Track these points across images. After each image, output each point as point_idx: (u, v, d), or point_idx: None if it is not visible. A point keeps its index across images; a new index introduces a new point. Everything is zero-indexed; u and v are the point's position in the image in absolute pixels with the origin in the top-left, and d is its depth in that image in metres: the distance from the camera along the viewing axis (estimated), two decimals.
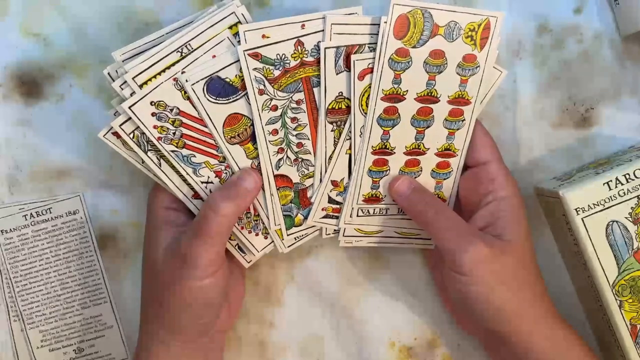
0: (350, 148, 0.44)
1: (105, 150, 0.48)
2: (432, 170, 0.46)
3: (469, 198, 0.45)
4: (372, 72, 0.43)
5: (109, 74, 0.42)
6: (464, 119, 0.45)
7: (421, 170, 0.45)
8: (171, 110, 0.42)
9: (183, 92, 0.42)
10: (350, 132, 0.44)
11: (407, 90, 0.43)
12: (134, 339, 0.49)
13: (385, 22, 0.42)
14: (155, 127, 0.42)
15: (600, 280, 0.43)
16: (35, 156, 0.49)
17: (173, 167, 0.43)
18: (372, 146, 0.44)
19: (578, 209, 0.43)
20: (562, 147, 0.49)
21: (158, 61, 0.42)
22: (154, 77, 0.42)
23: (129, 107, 0.41)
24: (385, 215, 0.46)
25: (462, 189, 0.46)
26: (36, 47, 0.48)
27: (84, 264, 0.49)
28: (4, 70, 0.48)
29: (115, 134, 0.42)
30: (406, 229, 0.47)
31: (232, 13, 0.42)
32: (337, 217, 0.46)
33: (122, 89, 0.41)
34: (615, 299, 0.43)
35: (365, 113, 0.44)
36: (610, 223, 0.43)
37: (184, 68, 0.42)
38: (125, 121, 0.42)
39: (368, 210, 0.46)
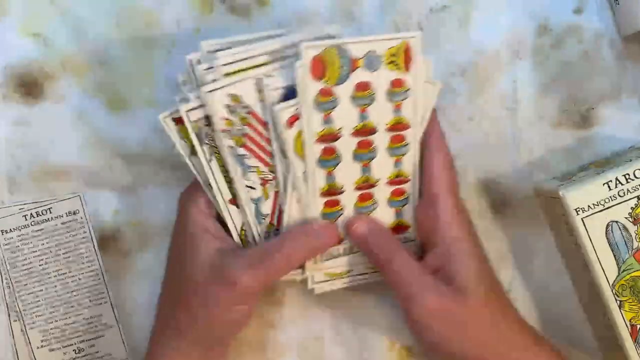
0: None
1: (105, 150, 0.48)
2: (388, 199, 0.45)
3: (423, 228, 0.44)
4: (298, 118, 0.42)
5: (190, 60, 0.42)
6: (408, 143, 0.44)
7: (377, 203, 0.44)
8: (244, 107, 0.42)
9: (260, 94, 0.42)
10: (294, 181, 0.43)
11: (341, 128, 0.42)
12: (134, 339, 0.49)
13: (300, 67, 0.41)
14: (223, 118, 0.42)
15: (600, 281, 0.43)
16: (35, 156, 0.49)
17: (222, 166, 0.43)
18: (319, 189, 0.43)
19: (578, 209, 0.43)
20: (562, 147, 0.49)
21: (248, 57, 0.41)
22: (240, 71, 0.41)
23: (208, 92, 0.41)
24: (352, 254, 0.45)
25: (417, 218, 0.45)
26: (36, 47, 0.48)
27: (84, 264, 0.49)
28: (4, 70, 0.48)
29: (177, 120, 0.42)
30: None
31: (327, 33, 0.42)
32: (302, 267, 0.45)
33: (206, 74, 0.41)
34: (615, 299, 0.43)
35: (303, 159, 0.42)
36: (610, 223, 0.43)
37: (270, 71, 0.42)
38: (194, 108, 0.41)
39: (331, 253, 0.45)
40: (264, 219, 0.43)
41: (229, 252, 0.42)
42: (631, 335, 0.44)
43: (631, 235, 0.43)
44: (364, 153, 0.43)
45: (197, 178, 0.43)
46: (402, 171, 0.44)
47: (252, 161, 0.43)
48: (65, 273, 0.49)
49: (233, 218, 0.43)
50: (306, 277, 0.45)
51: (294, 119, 0.42)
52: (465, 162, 0.49)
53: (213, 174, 0.43)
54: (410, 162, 0.44)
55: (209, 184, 0.43)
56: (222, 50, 0.41)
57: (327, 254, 0.45)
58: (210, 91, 0.41)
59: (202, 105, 0.42)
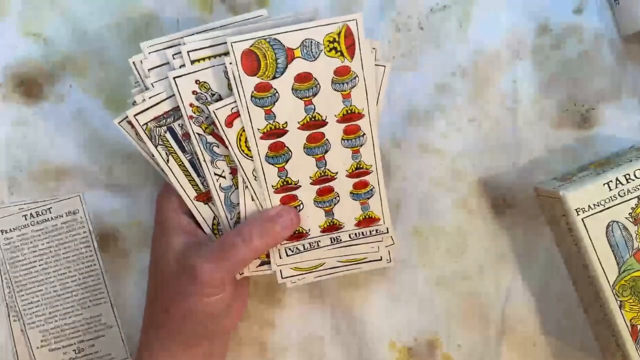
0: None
1: (105, 150, 0.48)
2: (351, 192, 0.43)
3: None
4: (239, 115, 0.41)
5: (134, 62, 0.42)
6: (364, 133, 0.42)
7: (338, 196, 0.43)
8: (212, 95, 0.41)
9: (229, 82, 0.41)
10: (245, 179, 0.42)
11: (286, 122, 0.41)
12: (134, 339, 0.49)
13: (231, 63, 0.39)
14: (191, 105, 0.41)
15: (600, 281, 0.43)
16: (35, 156, 0.49)
17: (181, 165, 0.43)
18: (272, 186, 0.42)
19: (578, 210, 0.43)
20: (562, 147, 0.49)
21: (218, 44, 0.40)
22: (209, 58, 0.41)
23: (174, 78, 0.40)
24: (320, 248, 0.44)
25: None
26: (36, 47, 0.48)
27: (84, 264, 0.49)
28: (4, 70, 0.48)
29: (130, 123, 0.42)
30: (348, 255, 0.45)
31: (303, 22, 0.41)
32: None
33: (174, 59, 0.41)
34: (616, 299, 0.43)
35: (250, 156, 0.42)
36: (611, 223, 0.43)
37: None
38: (142, 112, 0.41)
39: (297, 248, 0.44)
40: (234, 207, 0.43)
41: (196, 245, 0.42)
42: (631, 336, 0.44)
43: (631, 236, 0.43)
44: (316, 146, 0.42)
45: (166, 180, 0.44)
46: (362, 162, 0.43)
47: (221, 149, 0.42)
48: (65, 273, 0.49)
49: (202, 213, 0.43)
50: (274, 272, 0.44)
51: (232, 118, 0.41)
52: (465, 162, 0.49)
53: (173, 174, 0.43)
54: (369, 152, 0.43)
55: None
56: (165, 49, 0.41)
57: (291, 249, 0.44)
58: (177, 77, 0.40)
59: (149, 108, 0.41)
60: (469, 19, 0.48)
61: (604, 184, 0.43)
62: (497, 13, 0.48)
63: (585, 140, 0.49)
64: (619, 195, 0.43)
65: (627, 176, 0.43)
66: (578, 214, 0.43)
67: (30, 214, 0.49)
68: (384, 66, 0.42)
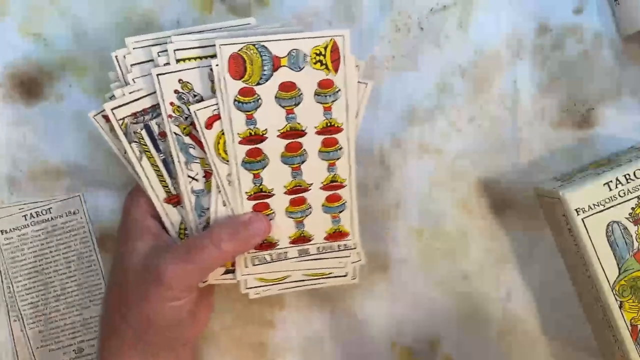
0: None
1: (105, 150, 0.48)
2: (323, 205, 0.43)
3: None
4: (220, 118, 0.41)
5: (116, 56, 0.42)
6: (341, 147, 0.42)
7: (310, 208, 0.43)
8: (194, 96, 0.41)
9: (212, 85, 0.41)
10: (219, 183, 0.42)
11: (266, 129, 0.41)
12: None
13: (217, 65, 0.40)
14: (172, 104, 0.41)
15: (600, 281, 0.43)
16: (35, 156, 0.49)
17: (154, 164, 0.42)
18: (246, 192, 0.42)
19: (578, 210, 0.43)
20: (562, 148, 0.49)
21: (205, 46, 0.40)
22: (194, 59, 0.41)
23: (157, 75, 0.40)
24: (287, 260, 0.44)
25: None
26: (36, 47, 0.48)
27: (84, 264, 0.49)
28: (4, 70, 0.48)
29: (105, 117, 0.41)
30: (314, 269, 0.45)
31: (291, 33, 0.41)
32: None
33: (159, 56, 0.40)
34: (616, 300, 0.43)
35: (226, 160, 0.41)
36: (611, 223, 0.43)
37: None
38: (119, 106, 0.41)
39: (264, 258, 0.44)
40: (204, 212, 0.43)
41: (162, 248, 0.41)
42: (631, 335, 0.44)
43: (631, 236, 0.43)
44: (293, 156, 0.42)
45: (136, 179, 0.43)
46: (337, 176, 0.43)
47: (197, 152, 0.42)
48: (65, 273, 0.49)
49: (170, 216, 0.43)
50: (238, 282, 0.44)
51: (213, 120, 0.41)
52: (465, 162, 0.49)
53: (145, 173, 0.42)
54: (345, 167, 0.43)
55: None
56: (150, 46, 0.41)
57: (258, 259, 0.44)
58: (160, 74, 0.40)
59: (128, 103, 0.41)
60: (469, 19, 0.48)
61: (604, 184, 0.43)
62: (497, 13, 0.48)
63: (585, 140, 0.49)
64: (619, 195, 0.43)
65: (627, 176, 0.43)
66: (578, 214, 0.43)
67: (30, 214, 0.49)
68: (366, 84, 0.42)
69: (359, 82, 0.42)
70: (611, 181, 0.43)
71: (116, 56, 0.41)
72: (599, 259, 0.43)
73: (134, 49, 0.41)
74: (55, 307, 0.49)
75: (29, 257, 0.49)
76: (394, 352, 0.50)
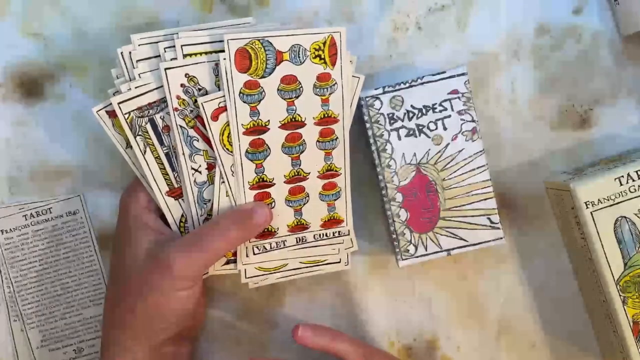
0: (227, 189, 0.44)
1: (105, 150, 0.49)
2: (320, 193, 0.45)
3: None
4: (225, 110, 0.42)
5: (122, 53, 0.43)
6: (337, 137, 0.44)
7: (308, 196, 0.45)
8: (199, 90, 0.42)
9: (217, 79, 0.42)
10: (223, 173, 0.43)
11: (268, 121, 0.43)
12: None
13: (225, 59, 0.41)
14: (178, 97, 0.42)
15: (605, 276, 0.43)
16: (35, 156, 0.49)
17: (157, 157, 0.43)
18: (248, 182, 0.43)
19: (588, 203, 0.43)
20: (561, 148, 0.49)
21: (211, 42, 0.42)
22: (200, 54, 0.42)
23: (165, 69, 0.42)
24: (285, 248, 0.45)
25: None
26: (36, 47, 0.48)
27: (84, 264, 0.49)
28: (4, 70, 0.48)
29: (110, 113, 0.43)
30: (310, 257, 0.46)
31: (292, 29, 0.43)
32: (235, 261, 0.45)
33: (165, 52, 0.42)
34: (620, 295, 0.43)
35: (231, 151, 0.43)
36: (619, 219, 0.43)
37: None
38: (126, 100, 0.42)
39: (264, 247, 0.45)
40: (205, 204, 0.44)
41: (166, 240, 0.42)
42: (633, 332, 0.44)
43: (639, 232, 0.43)
44: (293, 146, 0.44)
45: (136, 174, 0.44)
46: (333, 165, 0.45)
47: (201, 144, 0.43)
48: (65, 273, 0.49)
49: (171, 209, 0.44)
50: (239, 271, 0.45)
51: (218, 112, 0.42)
52: None
53: (148, 166, 0.43)
54: (340, 156, 0.45)
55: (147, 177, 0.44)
56: (155, 43, 0.42)
57: (258, 247, 0.45)
58: (168, 68, 0.42)
59: (134, 97, 0.42)
60: (468, 19, 0.48)
61: (615, 179, 0.43)
62: (496, 13, 0.48)
63: (585, 140, 0.49)
64: (629, 190, 0.43)
65: (639, 172, 0.43)
66: (587, 207, 0.43)
67: (30, 214, 0.49)
68: (359, 77, 0.44)
69: (352, 75, 0.44)
70: (622, 176, 0.43)
71: (122, 52, 0.42)
72: (605, 253, 0.43)
73: (139, 45, 0.42)
74: (55, 307, 0.49)
75: (29, 257, 0.49)
76: (393, 351, 0.50)
